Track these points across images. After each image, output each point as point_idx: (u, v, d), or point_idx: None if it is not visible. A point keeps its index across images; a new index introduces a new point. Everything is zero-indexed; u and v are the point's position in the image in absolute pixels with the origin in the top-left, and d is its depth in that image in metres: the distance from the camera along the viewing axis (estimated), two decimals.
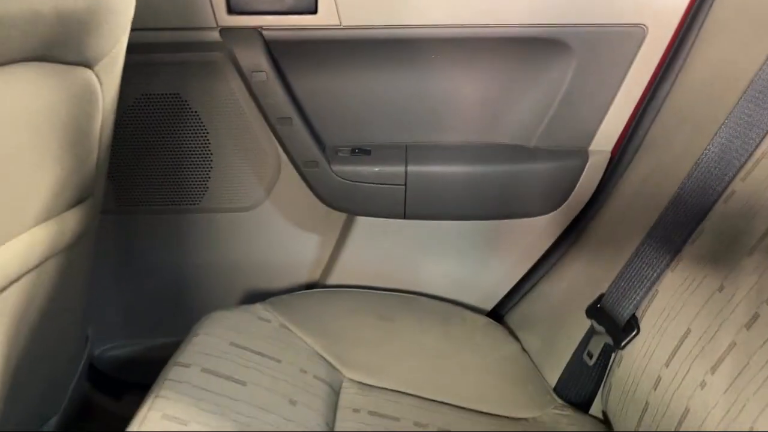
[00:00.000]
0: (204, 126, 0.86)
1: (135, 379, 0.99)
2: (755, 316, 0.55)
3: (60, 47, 0.57)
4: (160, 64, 0.81)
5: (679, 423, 0.59)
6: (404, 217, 0.86)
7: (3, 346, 0.61)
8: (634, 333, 0.70)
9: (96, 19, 0.59)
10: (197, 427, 0.56)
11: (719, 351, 0.57)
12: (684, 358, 0.61)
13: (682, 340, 0.62)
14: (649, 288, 0.70)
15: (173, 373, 0.62)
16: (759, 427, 0.50)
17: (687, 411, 0.58)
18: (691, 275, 0.65)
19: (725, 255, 0.61)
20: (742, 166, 0.65)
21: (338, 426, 0.65)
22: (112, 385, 0.99)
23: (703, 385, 0.57)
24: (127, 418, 0.63)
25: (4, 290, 0.57)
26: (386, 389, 0.73)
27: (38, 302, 0.65)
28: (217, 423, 0.57)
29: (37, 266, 0.62)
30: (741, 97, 0.67)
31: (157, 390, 0.60)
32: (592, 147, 0.85)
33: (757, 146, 0.65)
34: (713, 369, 0.56)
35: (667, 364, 0.63)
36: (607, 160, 0.85)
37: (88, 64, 0.62)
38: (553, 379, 0.81)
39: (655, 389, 0.64)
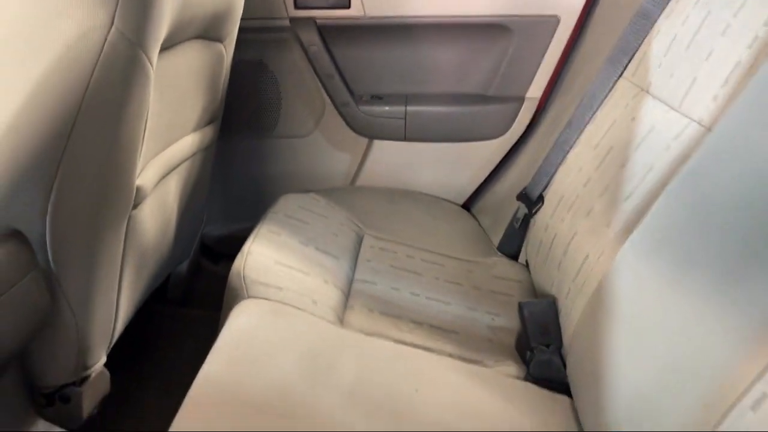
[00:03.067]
0: (277, 81, 1.29)
1: (227, 251, 1.43)
2: (588, 179, 0.96)
3: (209, 30, 0.99)
4: (251, 41, 1.23)
5: (551, 245, 1.00)
6: (405, 140, 1.28)
7: (179, 199, 1.05)
8: (540, 204, 1.11)
9: (228, 14, 1.01)
10: (285, 237, 0.99)
11: (571, 201, 0.98)
12: (560, 211, 1.02)
13: (560, 201, 1.04)
14: (550, 178, 1.11)
15: (269, 215, 1.06)
16: (579, 230, 0.91)
17: (555, 236, 1.00)
18: (568, 169, 1.06)
19: (585, 154, 1.03)
20: (601, 103, 1.05)
21: (361, 251, 1.08)
22: (213, 254, 1.44)
23: (563, 220, 0.99)
24: (223, 276, 0.98)
25: (180, 165, 1.01)
26: (390, 240, 1.16)
27: (192, 178, 1.08)
28: (294, 234, 1.00)
29: (193, 155, 1.05)
30: (605, 61, 1.08)
31: (262, 222, 1.04)
32: (528, 95, 1.26)
33: (610, 89, 1.05)
34: (568, 210, 0.98)
35: (551, 216, 1.05)
36: (536, 104, 1.26)
37: (221, 40, 1.05)
38: (496, 241, 1.23)
39: (545, 231, 1.05)
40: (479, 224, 1.30)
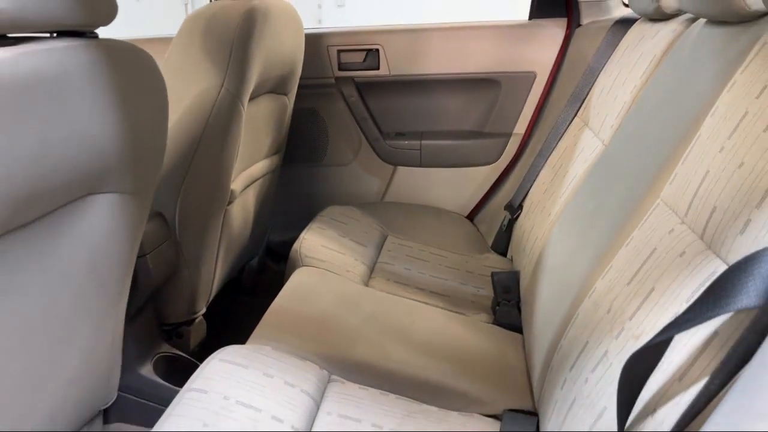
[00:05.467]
0: (326, 123, 1.67)
1: (286, 253, 1.80)
2: (546, 189, 1.29)
3: (278, 87, 1.38)
4: (307, 94, 1.62)
5: (521, 238, 1.33)
6: (420, 166, 1.64)
7: (254, 206, 1.42)
8: (519, 212, 1.44)
9: (291, 75, 1.40)
10: (329, 231, 1.35)
11: (535, 205, 1.31)
12: (529, 213, 1.35)
13: (530, 207, 1.36)
14: (527, 192, 1.44)
15: (318, 218, 1.42)
16: (535, 223, 1.24)
17: (524, 231, 1.32)
18: (537, 184, 1.39)
19: (548, 172, 1.35)
20: (561, 136, 1.39)
21: (384, 245, 1.43)
22: (275, 255, 1.81)
23: (529, 218, 1.32)
24: (283, 272, 1.39)
25: (256, 181, 1.39)
26: (407, 239, 1.50)
27: (264, 192, 1.46)
28: (335, 229, 1.36)
29: (264, 175, 1.43)
30: (565, 104, 1.41)
31: (313, 221, 1.40)
32: (514, 131, 1.60)
33: (567, 126, 1.38)
34: (533, 211, 1.31)
35: (524, 218, 1.37)
36: (521, 138, 1.60)
37: (285, 94, 1.44)
38: (490, 242, 1.56)
39: (520, 229, 1.38)
40: (478, 230, 1.63)
